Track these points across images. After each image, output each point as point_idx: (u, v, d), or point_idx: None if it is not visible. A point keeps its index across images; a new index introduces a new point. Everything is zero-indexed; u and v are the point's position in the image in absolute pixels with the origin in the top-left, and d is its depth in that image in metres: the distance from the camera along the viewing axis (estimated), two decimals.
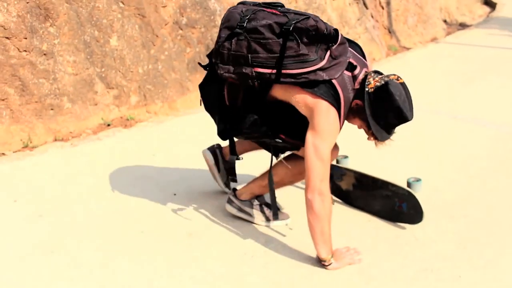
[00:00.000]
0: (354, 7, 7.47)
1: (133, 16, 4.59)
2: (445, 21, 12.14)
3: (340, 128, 2.39)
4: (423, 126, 4.42)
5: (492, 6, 16.58)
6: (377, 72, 2.47)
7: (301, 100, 2.33)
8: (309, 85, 2.29)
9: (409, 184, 2.94)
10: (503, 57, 7.57)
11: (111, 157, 3.74)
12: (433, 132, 4.37)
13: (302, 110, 2.36)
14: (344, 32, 7.11)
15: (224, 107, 2.53)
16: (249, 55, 2.27)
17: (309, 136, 2.31)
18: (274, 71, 2.26)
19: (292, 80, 2.28)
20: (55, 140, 4.10)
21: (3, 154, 3.81)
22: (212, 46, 5.06)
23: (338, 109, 2.33)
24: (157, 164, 3.60)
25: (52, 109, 4.12)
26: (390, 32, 8.93)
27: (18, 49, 3.96)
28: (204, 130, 3.81)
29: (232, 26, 2.31)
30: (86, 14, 4.34)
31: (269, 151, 2.67)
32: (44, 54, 4.10)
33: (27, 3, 4.01)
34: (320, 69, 2.26)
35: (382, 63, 7.37)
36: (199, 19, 4.99)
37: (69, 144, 3.98)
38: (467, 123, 4.59)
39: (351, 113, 2.43)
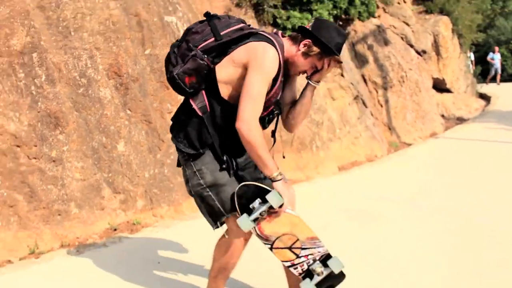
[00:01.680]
0: (354, 106, 7.67)
1: (139, 122, 4.73)
2: (442, 115, 12.42)
3: (279, 77, 2.60)
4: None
5: (487, 99, 17.00)
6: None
7: (240, 54, 2.55)
8: (244, 38, 2.58)
9: None
10: (500, 152, 7.68)
11: (116, 265, 3.71)
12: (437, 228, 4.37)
13: (243, 66, 2.55)
14: (345, 130, 7.26)
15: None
16: (189, 44, 2.59)
17: (248, 74, 2.52)
18: (213, 38, 2.57)
19: (229, 38, 2.57)
20: (62, 245, 4.08)
21: (9, 261, 3.79)
22: None
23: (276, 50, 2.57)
24: (161, 272, 3.57)
25: (59, 215, 4.15)
26: (390, 128, 9.11)
27: (28, 157, 4.05)
28: (210, 233, 3.81)
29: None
30: (95, 122, 4.47)
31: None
32: (53, 161, 4.18)
33: (38, 112, 4.14)
34: (247, 26, 2.69)
35: (384, 161, 7.47)
36: None
37: (75, 251, 3.97)
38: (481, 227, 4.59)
39: (302, 57, 2.64)
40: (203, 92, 2.61)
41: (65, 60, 4.39)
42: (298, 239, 2.60)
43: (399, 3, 11.98)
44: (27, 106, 4.10)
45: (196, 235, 4.22)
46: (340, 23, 8.15)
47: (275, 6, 6.55)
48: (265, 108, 2.61)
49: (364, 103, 8.13)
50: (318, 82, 2.79)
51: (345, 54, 8.29)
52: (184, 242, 4.15)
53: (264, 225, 2.56)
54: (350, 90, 7.64)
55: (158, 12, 5.07)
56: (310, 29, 2.63)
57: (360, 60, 8.92)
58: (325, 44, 2.59)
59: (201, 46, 2.56)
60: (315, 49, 2.61)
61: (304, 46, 2.63)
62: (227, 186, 2.63)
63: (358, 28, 8.91)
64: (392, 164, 7.26)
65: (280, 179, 2.52)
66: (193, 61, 2.55)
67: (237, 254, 2.71)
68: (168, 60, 2.65)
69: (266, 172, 2.54)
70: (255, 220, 2.51)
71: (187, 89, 2.58)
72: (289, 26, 6.54)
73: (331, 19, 7.38)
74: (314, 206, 5.09)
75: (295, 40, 2.67)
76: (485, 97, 17.36)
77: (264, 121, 2.71)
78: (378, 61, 9.30)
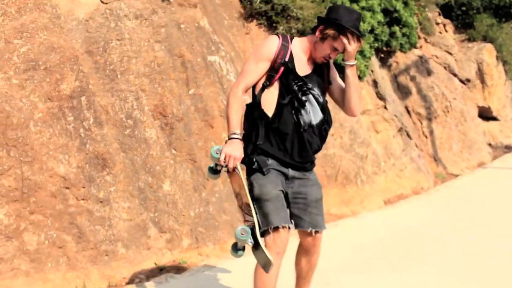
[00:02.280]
0: (398, 138, 7.58)
1: (185, 161, 4.78)
2: (490, 144, 12.13)
3: (285, 60, 2.92)
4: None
5: None
6: None
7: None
8: None
9: None
10: None
11: None
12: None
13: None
14: (390, 163, 7.17)
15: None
16: None
17: None
18: None
19: None
20: (109, 286, 4.12)
21: None
22: None
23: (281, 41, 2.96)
24: None
25: (107, 255, 4.20)
26: (435, 160, 8.95)
27: (77, 198, 4.13)
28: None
29: None
30: (141, 162, 4.54)
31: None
32: (101, 202, 4.25)
33: (86, 154, 4.24)
34: None
35: (431, 193, 7.32)
36: None
37: None
38: None
39: (320, 43, 2.90)
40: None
41: (112, 102, 4.50)
42: (242, 202, 2.98)
43: (440, 32, 11.88)
44: (76, 148, 4.19)
45: (242, 274, 4.20)
46: (382, 55, 8.13)
47: None
48: (285, 92, 2.94)
49: (408, 135, 8.02)
50: (350, 60, 2.96)
51: (387, 86, 8.24)
52: (230, 281, 4.13)
53: (231, 179, 3.01)
54: (394, 122, 7.56)
55: (201, 52, 5.16)
56: (325, 15, 2.98)
57: (403, 92, 8.84)
58: (335, 22, 2.84)
59: None
60: (329, 31, 2.86)
61: (319, 33, 2.90)
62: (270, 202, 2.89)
63: (400, 59, 8.87)
64: (439, 197, 7.11)
65: (231, 138, 2.85)
66: None
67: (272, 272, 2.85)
68: None
69: (228, 130, 2.91)
70: (216, 172, 2.97)
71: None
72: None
73: (373, 52, 7.36)
74: (361, 241, 5.01)
75: (313, 31, 2.99)
76: None
77: (292, 110, 2.96)
78: (421, 91, 9.20)
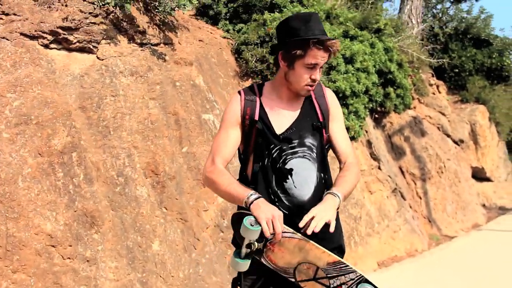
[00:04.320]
0: (392, 199, 7.51)
1: (175, 220, 4.68)
2: (484, 205, 12.08)
3: (247, 117, 2.44)
4: None
5: None
6: None
7: None
8: None
9: None
10: None
11: None
12: None
13: None
14: (384, 225, 7.07)
15: None
16: None
17: None
18: None
19: None
20: None
21: None
22: None
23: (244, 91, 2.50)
24: None
25: None
26: (430, 221, 8.87)
27: (62, 257, 4.01)
28: None
29: None
30: (130, 220, 4.44)
31: None
32: (87, 261, 4.12)
33: (75, 211, 4.14)
34: None
35: (425, 256, 7.20)
36: None
37: None
38: None
39: (292, 72, 2.39)
40: None
41: (104, 159, 4.44)
42: (318, 267, 2.25)
43: (434, 93, 12.03)
44: (64, 205, 4.10)
45: None
46: (376, 116, 8.16)
47: None
48: (260, 154, 2.42)
49: (402, 196, 7.96)
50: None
51: (381, 146, 8.23)
52: None
53: (274, 256, 2.28)
54: (388, 183, 7.51)
55: (196, 110, 5.15)
56: (276, 42, 2.49)
57: (397, 152, 8.84)
58: (292, 40, 2.34)
59: None
60: (292, 51, 2.34)
61: (283, 60, 2.40)
62: None
63: (394, 120, 8.90)
64: (434, 260, 6.99)
65: (254, 200, 2.21)
66: None
67: None
68: None
69: (239, 203, 2.31)
70: (248, 257, 2.26)
71: None
72: None
73: (367, 113, 7.39)
74: None
75: (277, 65, 2.48)
76: None
77: (269, 184, 2.41)
78: (415, 152, 9.20)
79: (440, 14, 15.61)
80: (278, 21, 6.44)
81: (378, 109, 8.01)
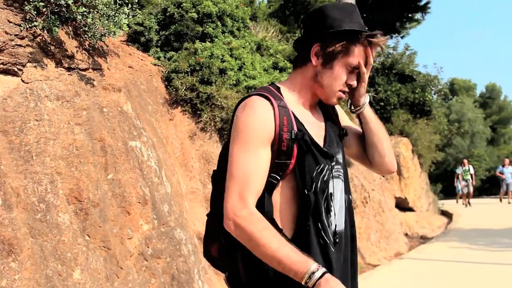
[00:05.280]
0: None
1: (98, 248, 4.60)
2: (406, 234, 12.49)
3: (285, 130, 1.81)
4: None
5: (449, 216, 17.30)
6: None
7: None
8: None
9: None
10: (466, 273, 7.66)
11: None
12: None
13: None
14: None
15: None
16: None
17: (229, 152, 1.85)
18: None
19: None
20: None
21: None
22: (177, 276, 5.02)
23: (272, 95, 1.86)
24: None
25: None
26: None
27: None
28: None
29: None
30: (51, 248, 4.33)
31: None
32: None
33: None
34: None
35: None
36: (164, 249, 5.03)
37: None
38: None
39: (327, 71, 1.91)
40: None
41: (25, 184, 4.32)
42: None
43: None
44: None
45: None
46: None
47: None
48: (308, 178, 1.83)
49: None
50: (362, 100, 2.02)
51: None
52: None
53: None
54: None
55: (122, 137, 5.12)
56: (305, 33, 1.95)
57: None
58: (336, 32, 1.87)
59: None
60: (335, 45, 1.88)
61: (318, 55, 1.90)
62: None
63: None
64: (390, 271, 7.16)
65: (320, 279, 1.66)
66: None
67: None
68: None
69: (293, 277, 1.69)
70: None
71: None
72: None
73: None
74: None
75: (302, 63, 1.95)
76: (447, 214, 17.67)
77: (316, 218, 1.84)
78: None
79: None
80: (209, 51, 6.54)
81: None
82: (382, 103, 14.73)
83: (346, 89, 1.95)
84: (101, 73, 5.45)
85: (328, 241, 1.86)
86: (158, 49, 6.98)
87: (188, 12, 6.94)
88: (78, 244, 4.48)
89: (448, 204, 20.75)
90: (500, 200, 22.40)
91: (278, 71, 7.77)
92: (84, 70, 5.25)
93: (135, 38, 6.98)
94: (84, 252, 4.50)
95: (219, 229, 1.87)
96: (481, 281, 7.15)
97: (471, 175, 21.11)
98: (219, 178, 1.94)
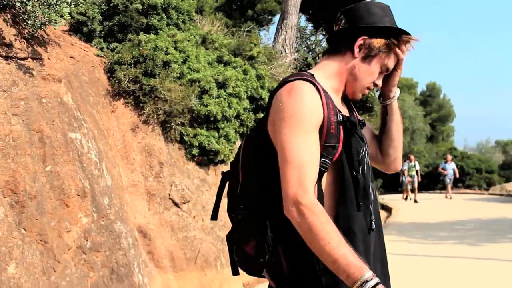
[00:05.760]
0: None
1: (34, 242, 4.51)
2: None
3: (332, 114, 1.82)
4: None
5: (389, 210, 17.77)
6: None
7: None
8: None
9: None
10: (403, 265, 7.90)
11: None
12: None
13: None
14: None
15: None
16: None
17: (278, 138, 1.79)
18: None
19: None
20: None
21: None
22: (116, 270, 4.99)
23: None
24: None
25: None
26: None
27: None
28: None
29: None
30: None
31: None
32: None
33: None
34: None
35: None
36: (104, 242, 4.98)
37: None
38: None
39: (364, 65, 1.95)
40: None
41: None
42: None
43: None
44: None
45: None
46: None
47: (182, 124, 6.68)
48: (356, 162, 1.86)
49: None
50: (396, 86, 2.09)
51: None
52: None
53: None
54: None
55: (62, 128, 5.03)
56: (347, 25, 1.96)
57: None
58: (383, 28, 1.93)
59: None
60: (379, 42, 1.93)
61: (362, 47, 1.94)
62: None
63: None
64: None
65: (377, 285, 1.63)
66: None
67: None
68: None
69: (343, 279, 1.66)
70: None
71: None
72: (196, 143, 6.66)
73: (238, 137, 7.60)
74: None
75: (339, 52, 1.97)
76: (386, 209, 18.12)
77: (367, 196, 1.90)
78: None
79: (314, 46, 16.42)
80: (153, 43, 6.49)
81: None
82: None
83: (372, 87, 2.00)
84: (41, 62, 5.33)
85: (370, 226, 1.90)
86: (101, 40, 6.87)
87: (133, 3, 6.85)
88: (14, 238, 4.38)
89: (388, 199, 21.29)
90: (446, 196, 23.03)
91: (222, 65, 7.79)
92: (23, 59, 5.12)
93: (77, 28, 6.84)
94: (19, 246, 4.40)
95: (257, 224, 1.83)
96: (417, 273, 7.41)
97: (417, 171, 21.74)
98: (248, 169, 1.91)
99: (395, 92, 2.10)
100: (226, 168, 7.23)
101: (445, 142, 42.63)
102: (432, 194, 27.45)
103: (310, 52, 16.19)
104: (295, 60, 14.30)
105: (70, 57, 5.94)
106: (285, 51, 12.59)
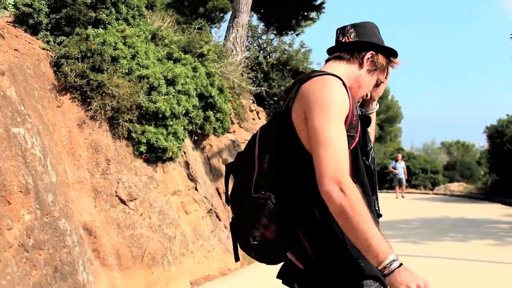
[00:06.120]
0: (208, 219, 7.74)
1: None
2: None
3: (354, 107, 2.05)
4: None
5: None
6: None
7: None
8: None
9: None
10: None
11: None
12: None
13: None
14: (198, 244, 7.25)
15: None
16: None
17: (312, 124, 1.95)
18: None
19: None
20: None
21: None
22: (60, 268, 4.89)
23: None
24: None
25: None
26: None
27: None
28: None
29: None
30: None
31: None
32: None
33: None
34: None
35: (237, 275, 7.50)
36: (47, 240, 4.87)
37: None
38: None
39: (368, 75, 2.22)
40: None
41: None
42: None
43: (254, 119, 12.64)
44: None
45: None
46: (196, 138, 8.37)
47: (130, 120, 6.60)
48: (366, 153, 2.12)
49: (218, 217, 8.23)
50: (376, 102, 2.39)
51: (199, 168, 8.46)
52: None
53: None
54: (204, 203, 7.73)
55: (5, 123, 4.89)
56: (357, 38, 2.22)
57: (214, 174, 9.13)
58: (386, 48, 2.23)
59: None
60: (380, 59, 2.22)
61: (368, 61, 2.21)
62: None
63: (214, 142, 9.21)
64: (245, 278, 7.31)
65: (398, 268, 1.80)
66: None
67: None
68: None
69: (371, 258, 1.83)
70: None
71: None
72: (144, 140, 6.58)
73: (186, 134, 7.57)
74: None
75: (347, 60, 2.23)
76: None
77: (375, 186, 2.19)
78: None
79: (265, 45, 16.48)
80: (101, 38, 6.39)
81: (198, 131, 8.23)
82: (276, 98, 15.05)
83: (366, 96, 2.32)
84: None
85: (378, 212, 2.15)
86: (48, 33, 6.70)
87: None
88: None
89: None
90: (397, 197, 23.49)
91: (172, 61, 7.73)
92: None
93: (22, 20, 6.65)
94: None
95: (278, 208, 1.96)
96: None
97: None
98: (268, 156, 2.04)
99: (376, 104, 2.41)
100: (174, 165, 7.20)
101: (393, 142, 43.54)
102: (379, 193, 27.91)
103: (261, 51, 16.25)
104: (246, 58, 14.34)
105: (15, 49, 5.78)
106: (236, 49, 12.61)
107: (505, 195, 20.07)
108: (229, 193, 2.22)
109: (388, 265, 1.80)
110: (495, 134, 24.04)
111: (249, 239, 2.03)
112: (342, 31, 2.24)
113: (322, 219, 1.95)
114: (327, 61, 2.27)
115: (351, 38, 2.21)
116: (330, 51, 2.29)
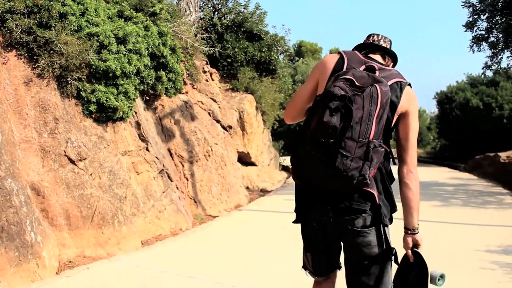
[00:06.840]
0: (159, 180, 7.73)
1: None
2: (247, 187, 13.02)
3: None
4: None
5: (289, 171, 18.31)
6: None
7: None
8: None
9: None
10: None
11: None
12: None
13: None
14: (149, 205, 7.26)
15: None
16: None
17: (414, 123, 2.74)
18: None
19: None
20: None
21: None
22: (7, 228, 4.83)
23: None
24: None
25: None
26: (195, 202, 9.30)
27: None
28: None
29: None
30: None
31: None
32: None
33: None
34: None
35: (188, 234, 7.57)
36: None
37: None
38: None
39: None
40: None
41: None
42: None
43: (207, 80, 12.57)
44: None
45: None
46: (147, 98, 8.29)
47: (79, 79, 6.46)
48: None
49: (169, 177, 8.23)
50: None
51: (151, 128, 8.41)
52: None
53: None
54: (155, 164, 7.71)
55: None
56: (388, 49, 2.89)
57: (166, 135, 9.09)
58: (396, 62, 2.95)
59: None
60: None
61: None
62: None
63: (166, 103, 9.13)
64: (195, 238, 7.39)
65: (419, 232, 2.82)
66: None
67: None
68: None
69: (415, 222, 2.82)
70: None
71: None
72: (94, 100, 6.48)
73: (137, 94, 7.48)
74: (114, 286, 4.96)
75: (391, 64, 2.95)
76: (287, 170, 18.66)
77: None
78: (184, 135, 9.56)
79: (220, 6, 16.28)
80: None
81: (150, 91, 8.15)
82: (230, 60, 14.98)
83: None
84: None
85: None
86: None
87: None
88: None
89: (288, 161, 21.84)
90: None
91: (123, 20, 7.57)
92: None
93: None
94: None
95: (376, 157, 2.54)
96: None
97: None
98: (384, 117, 2.53)
99: None
100: (124, 125, 7.12)
101: None
102: None
103: (216, 12, 16.07)
104: (200, 19, 14.16)
105: None
106: (190, 9, 12.43)
107: (452, 159, 20.75)
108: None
109: (418, 227, 2.83)
110: (445, 100, 24.63)
111: (362, 171, 2.48)
112: (382, 37, 2.90)
113: (387, 185, 2.77)
114: (368, 52, 2.83)
115: (390, 47, 2.91)
116: (363, 47, 2.87)
